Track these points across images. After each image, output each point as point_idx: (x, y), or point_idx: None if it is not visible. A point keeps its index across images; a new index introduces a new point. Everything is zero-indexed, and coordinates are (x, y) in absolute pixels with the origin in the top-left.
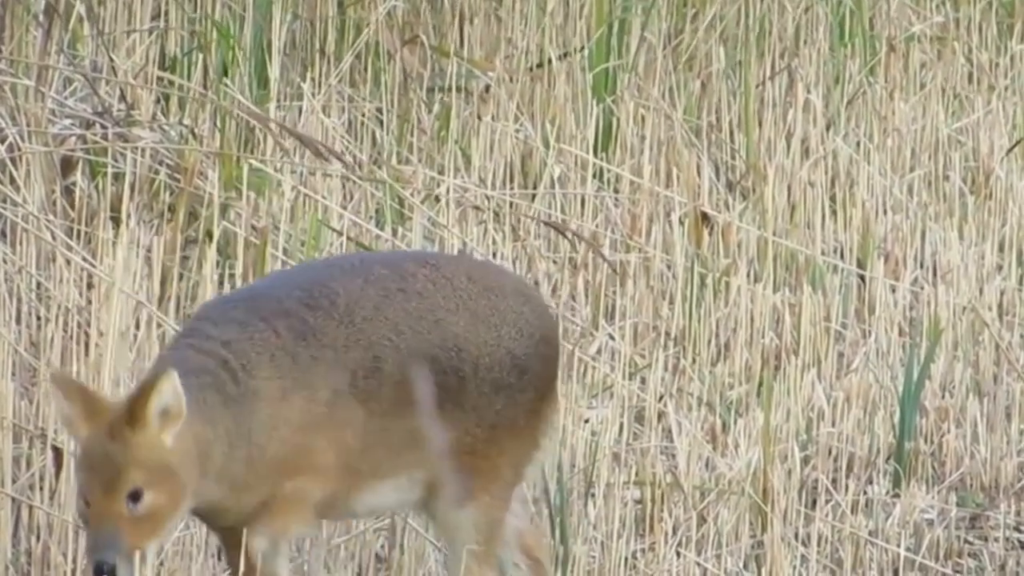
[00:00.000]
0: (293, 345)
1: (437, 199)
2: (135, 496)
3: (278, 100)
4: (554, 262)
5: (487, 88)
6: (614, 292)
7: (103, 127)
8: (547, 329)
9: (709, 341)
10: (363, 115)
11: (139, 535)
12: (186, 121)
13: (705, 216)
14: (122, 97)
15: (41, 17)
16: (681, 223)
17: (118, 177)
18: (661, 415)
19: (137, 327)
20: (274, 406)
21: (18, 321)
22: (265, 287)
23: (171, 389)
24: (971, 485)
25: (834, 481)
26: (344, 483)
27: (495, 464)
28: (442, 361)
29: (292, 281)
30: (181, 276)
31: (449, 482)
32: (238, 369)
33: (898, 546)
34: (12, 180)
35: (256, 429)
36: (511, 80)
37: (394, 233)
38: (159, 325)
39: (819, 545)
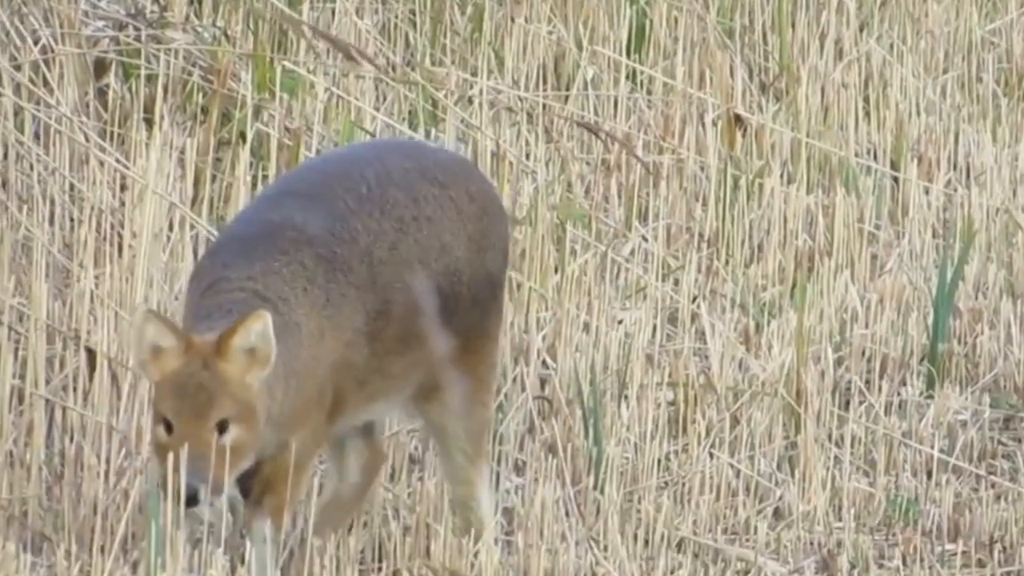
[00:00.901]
0: (324, 280)
1: (470, 101)
2: (222, 426)
3: (311, 1)
4: (587, 163)
5: None
6: (647, 194)
7: (136, 29)
8: (509, 236)
9: (742, 242)
10: (396, 17)
11: (221, 467)
12: (219, 23)
13: (738, 118)
14: None
15: None
16: (714, 125)
17: (151, 79)
18: (694, 316)
19: (170, 228)
20: (314, 346)
21: (51, 223)
22: (281, 217)
23: (261, 329)
24: (1004, 386)
25: (867, 382)
26: (333, 423)
27: (477, 373)
28: (444, 288)
29: (308, 208)
30: (214, 178)
31: (448, 396)
32: (276, 301)
33: (932, 447)
34: (45, 82)
35: (295, 368)
36: None
37: (427, 135)
38: (192, 227)
39: (852, 446)
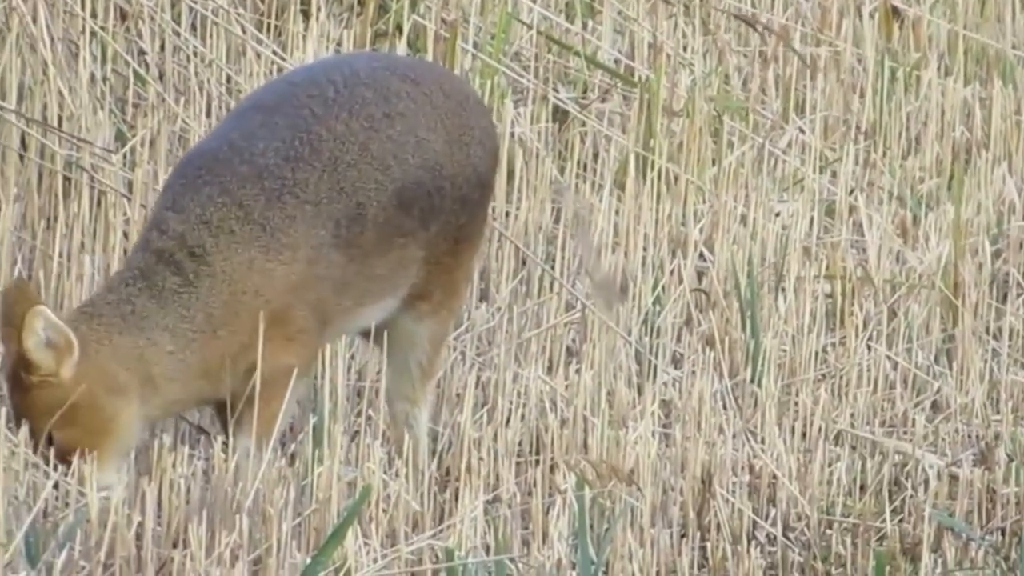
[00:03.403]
0: (263, 211)
1: None
2: (49, 441)
3: None
4: (744, 55)
5: None
6: (804, 86)
7: None
8: (497, 141)
9: (900, 135)
10: None
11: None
12: None
13: (896, 10)
14: None
15: None
16: (871, 17)
17: None
18: (852, 209)
19: None
20: (240, 282)
21: (208, 115)
22: (243, 137)
23: (43, 323)
24: None
25: None
26: (324, 337)
27: (454, 279)
28: (426, 183)
29: (274, 125)
30: None
31: (433, 298)
32: (184, 260)
33: None
34: None
35: (218, 310)
36: None
37: (584, 27)
38: None
39: (1010, 339)
